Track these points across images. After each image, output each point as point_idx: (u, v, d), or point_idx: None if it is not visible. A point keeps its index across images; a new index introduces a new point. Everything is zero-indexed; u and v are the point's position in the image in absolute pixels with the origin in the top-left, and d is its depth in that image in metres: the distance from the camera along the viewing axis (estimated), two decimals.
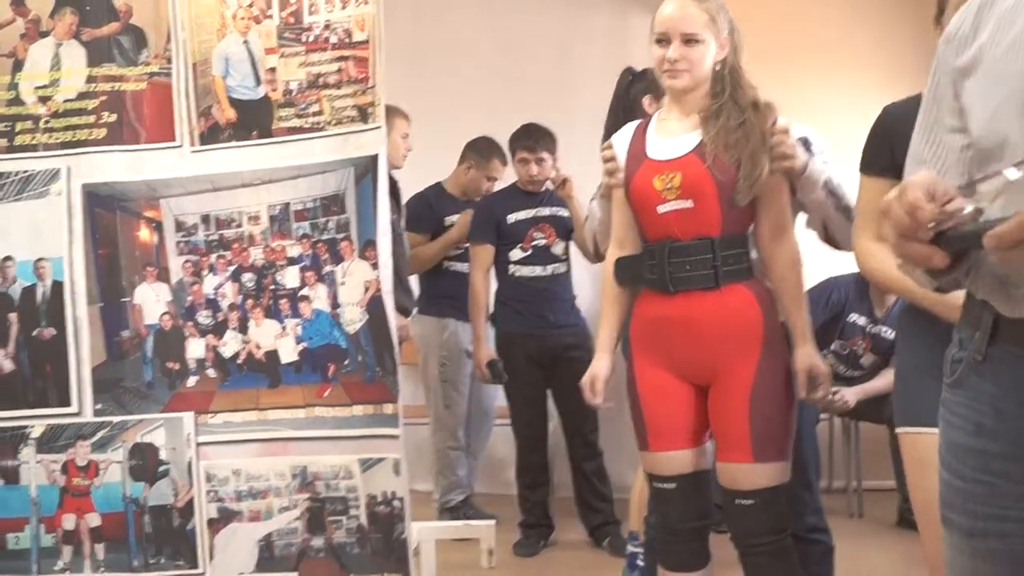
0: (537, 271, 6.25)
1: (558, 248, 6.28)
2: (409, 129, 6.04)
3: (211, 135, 3.87)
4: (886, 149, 3.03)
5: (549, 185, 6.33)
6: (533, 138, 6.26)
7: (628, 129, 3.70)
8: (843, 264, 5.55)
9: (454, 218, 6.53)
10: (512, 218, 6.28)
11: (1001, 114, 1.87)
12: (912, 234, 1.76)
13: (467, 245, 6.42)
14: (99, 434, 3.95)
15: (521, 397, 6.34)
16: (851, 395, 6.42)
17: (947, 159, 2.06)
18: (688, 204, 3.43)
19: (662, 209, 3.45)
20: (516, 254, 6.27)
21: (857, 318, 6.54)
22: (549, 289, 6.27)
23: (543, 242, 6.26)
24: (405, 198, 6.25)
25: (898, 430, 3.03)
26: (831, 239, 3.83)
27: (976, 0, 2.01)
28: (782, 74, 6.60)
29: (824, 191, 3.64)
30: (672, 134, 3.54)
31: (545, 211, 6.30)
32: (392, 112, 5.64)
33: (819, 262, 5.21)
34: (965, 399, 2.00)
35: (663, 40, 3.49)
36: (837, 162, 3.92)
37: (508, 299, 6.31)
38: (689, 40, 3.45)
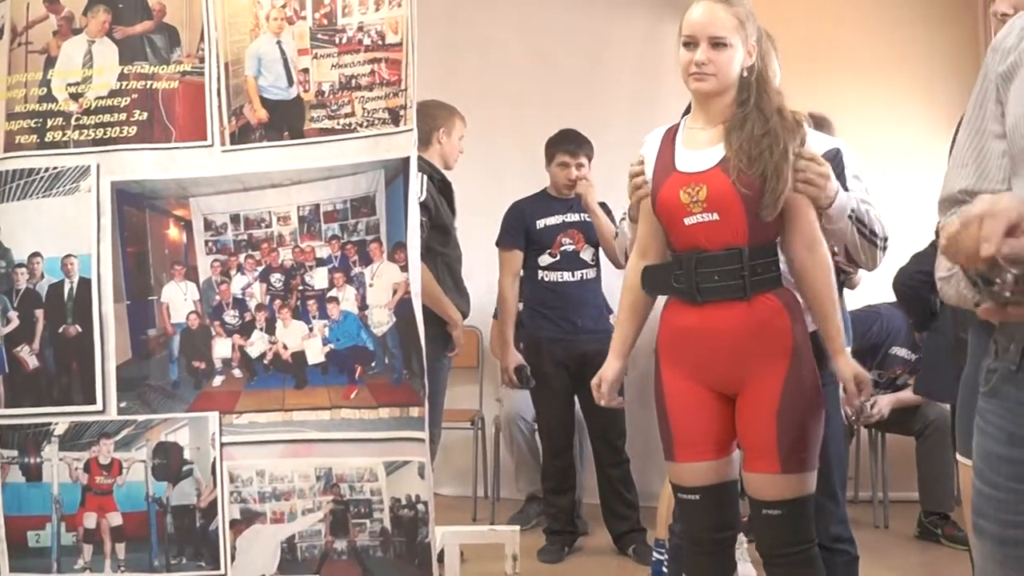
0: (566, 276, 6.25)
1: (587, 254, 6.28)
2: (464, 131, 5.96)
3: (242, 135, 3.87)
4: None
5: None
6: (576, 143, 6.27)
7: (656, 137, 3.67)
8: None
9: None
10: (541, 223, 6.28)
11: None
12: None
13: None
14: (123, 432, 3.94)
15: (548, 402, 6.33)
16: (885, 404, 6.40)
17: (988, 165, 2.08)
18: (714, 217, 3.39)
19: (689, 221, 3.42)
20: (545, 259, 6.27)
21: (899, 350, 6.53)
22: (578, 294, 6.27)
23: (572, 248, 6.25)
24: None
25: (959, 457, 2.99)
26: (852, 259, 3.81)
27: None
28: (816, 83, 6.59)
29: (849, 220, 3.61)
30: (698, 145, 3.50)
31: (573, 217, 6.29)
32: (453, 112, 5.62)
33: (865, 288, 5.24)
34: (999, 408, 2.01)
35: (690, 43, 3.45)
36: (869, 176, 3.89)
37: (537, 304, 6.31)
38: (717, 44, 3.42)
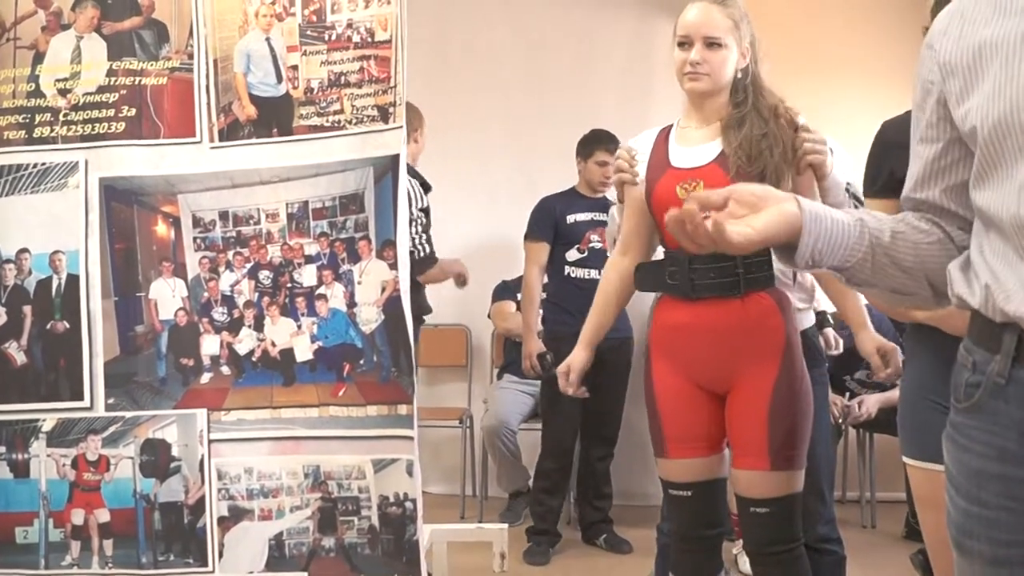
0: (593, 274, 6.26)
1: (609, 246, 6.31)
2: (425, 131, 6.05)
3: (231, 131, 3.86)
4: (885, 168, 2.99)
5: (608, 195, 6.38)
6: (615, 142, 6.30)
7: (649, 137, 3.68)
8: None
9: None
10: (571, 218, 6.32)
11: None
12: None
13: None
14: (111, 429, 3.93)
15: (561, 399, 6.29)
16: (873, 404, 6.40)
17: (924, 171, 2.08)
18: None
19: None
20: (573, 255, 6.32)
21: None
22: None
23: (599, 245, 6.28)
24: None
25: (905, 459, 2.99)
26: None
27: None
28: (803, 82, 6.59)
29: (845, 195, 3.64)
30: (693, 143, 3.52)
31: (601, 216, 6.32)
32: (420, 113, 5.67)
33: None
34: (984, 424, 1.94)
35: (685, 43, 3.47)
36: (857, 173, 3.91)
37: (561, 299, 6.32)
38: (711, 44, 3.44)
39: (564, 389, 3.80)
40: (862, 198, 3.73)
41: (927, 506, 2.85)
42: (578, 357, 3.80)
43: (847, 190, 3.66)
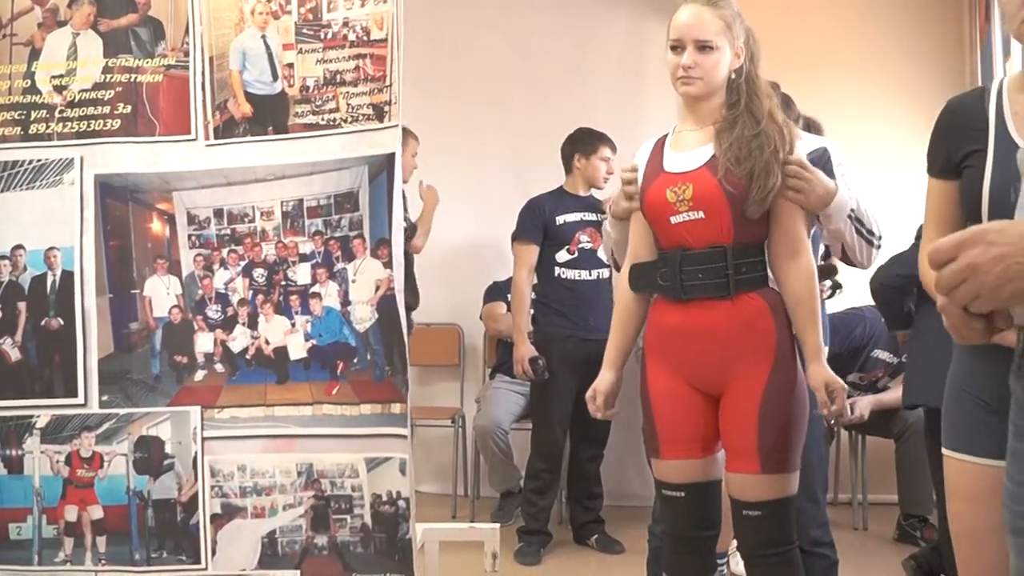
0: (583, 275, 6.25)
1: (603, 253, 6.29)
2: (418, 149, 6.13)
3: (226, 129, 3.87)
4: (942, 149, 2.89)
5: (594, 192, 6.37)
6: (611, 140, 6.32)
7: (648, 144, 3.68)
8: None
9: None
10: (561, 219, 6.30)
11: None
12: None
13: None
14: (104, 426, 3.94)
15: (551, 400, 6.30)
16: (865, 406, 6.39)
17: None
18: (700, 215, 3.39)
19: (675, 220, 3.43)
20: (563, 256, 6.29)
21: (880, 353, 6.52)
22: (593, 293, 6.27)
23: (589, 246, 6.27)
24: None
25: (945, 451, 3.01)
26: (847, 258, 3.80)
27: None
28: (797, 79, 6.60)
29: (848, 221, 3.61)
30: (687, 147, 3.51)
31: (591, 216, 6.31)
32: (406, 133, 5.69)
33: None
34: (1015, 406, 2.07)
35: (677, 47, 3.46)
36: (854, 172, 3.90)
37: (552, 301, 6.31)
38: (703, 47, 3.42)
39: (594, 414, 3.76)
40: (866, 223, 3.70)
41: (954, 495, 2.87)
42: (604, 379, 3.75)
43: (850, 216, 3.63)
